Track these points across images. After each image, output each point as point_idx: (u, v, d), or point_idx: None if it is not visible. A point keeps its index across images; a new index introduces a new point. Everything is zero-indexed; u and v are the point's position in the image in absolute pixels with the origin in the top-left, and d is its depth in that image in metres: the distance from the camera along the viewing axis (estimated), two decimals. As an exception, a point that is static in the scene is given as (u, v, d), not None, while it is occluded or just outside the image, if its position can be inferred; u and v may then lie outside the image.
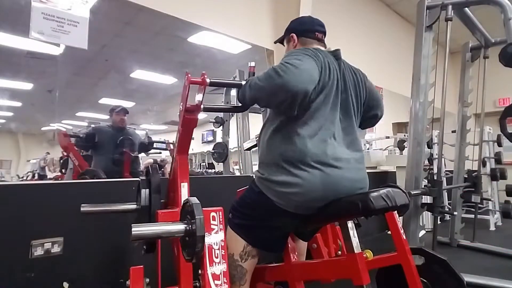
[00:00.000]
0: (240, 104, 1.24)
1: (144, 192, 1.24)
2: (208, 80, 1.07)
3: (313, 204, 1.10)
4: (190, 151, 1.31)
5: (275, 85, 1.03)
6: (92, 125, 3.26)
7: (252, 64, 1.24)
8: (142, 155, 3.44)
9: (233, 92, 2.86)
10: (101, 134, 2.92)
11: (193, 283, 1.05)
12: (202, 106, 1.11)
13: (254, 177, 1.26)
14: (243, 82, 1.19)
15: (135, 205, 1.30)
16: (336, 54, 1.24)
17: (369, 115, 1.37)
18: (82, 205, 1.25)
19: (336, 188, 1.09)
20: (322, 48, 1.30)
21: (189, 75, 1.10)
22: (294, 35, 1.34)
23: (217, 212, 1.08)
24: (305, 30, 1.33)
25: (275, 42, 1.49)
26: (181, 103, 1.15)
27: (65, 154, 3.10)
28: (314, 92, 1.11)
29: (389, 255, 1.17)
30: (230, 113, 3.32)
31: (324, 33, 1.35)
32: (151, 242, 1.23)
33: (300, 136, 1.11)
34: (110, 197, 1.81)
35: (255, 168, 1.35)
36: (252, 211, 1.22)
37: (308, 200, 1.09)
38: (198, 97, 1.10)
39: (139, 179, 1.38)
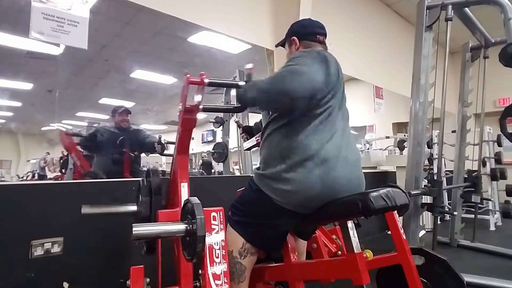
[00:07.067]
0: (239, 105, 1.23)
1: (145, 193, 1.24)
2: (206, 80, 1.06)
3: (311, 203, 1.10)
4: (190, 151, 1.31)
5: (278, 90, 1.06)
6: (96, 125, 3.23)
7: (250, 66, 1.23)
8: (142, 155, 3.41)
9: (233, 92, 2.85)
10: (104, 135, 2.91)
11: (193, 283, 1.05)
12: (201, 107, 1.10)
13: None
14: (241, 83, 1.18)
15: (136, 206, 1.30)
16: None
17: None
18: (83, 205, 1.24)
19: (334, 187, 1.09)
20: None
21: (188, 75, 1.08)
22: (296, 38, 1.35)
23: (218, 212, 1.08)
24: (307, 33, 1.34)
25: (276, 46, 1.49)
26: (181, 104, 1.15)
27: (65, 154, 3.09)
28: (321, 94, 1.12)
29: (389, 255, 1.17)
30: (230, 113, 3.31)
31: (325, 35, 1.36)
32: (151, 242, 1.23)
33: (301, 135, 1.12)
34: (110, 197, 1.82)
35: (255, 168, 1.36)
36: (251, 209, 1.22)
37: (305, 198, 1.09)
38: (197, 97, 1.09)
39: (140, 180, 1.37)
